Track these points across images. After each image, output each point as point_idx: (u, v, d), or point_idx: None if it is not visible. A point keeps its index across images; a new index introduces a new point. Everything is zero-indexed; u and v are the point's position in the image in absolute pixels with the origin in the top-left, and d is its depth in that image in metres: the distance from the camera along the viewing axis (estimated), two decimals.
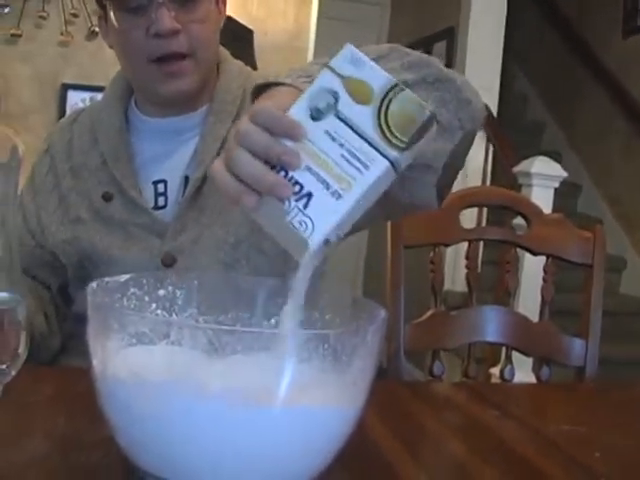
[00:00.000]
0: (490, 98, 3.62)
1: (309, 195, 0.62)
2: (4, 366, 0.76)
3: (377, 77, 0.64)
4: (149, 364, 0.60)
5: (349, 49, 0.66)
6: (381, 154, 0.62)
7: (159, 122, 1.19)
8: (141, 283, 0.74)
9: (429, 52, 4.16)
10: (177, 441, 0.58)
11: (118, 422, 0.62)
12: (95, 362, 0.62)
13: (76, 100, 2.94)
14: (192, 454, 0.58)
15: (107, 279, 0.70)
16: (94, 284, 0.67)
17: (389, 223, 1.43)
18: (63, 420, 0.76)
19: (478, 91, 0.91)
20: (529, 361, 2.20)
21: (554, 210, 2.86)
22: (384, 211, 0.93)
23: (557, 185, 2.97)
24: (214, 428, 0.57)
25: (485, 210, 3.23)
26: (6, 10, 2.86)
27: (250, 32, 2.80)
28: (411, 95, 0.64)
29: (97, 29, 2.84)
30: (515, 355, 1.49)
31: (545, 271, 1.51)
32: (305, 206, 0.62)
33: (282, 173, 0.63)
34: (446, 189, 0.93)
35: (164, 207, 1.15)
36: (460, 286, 3.08)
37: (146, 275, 0.75)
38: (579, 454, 0.80)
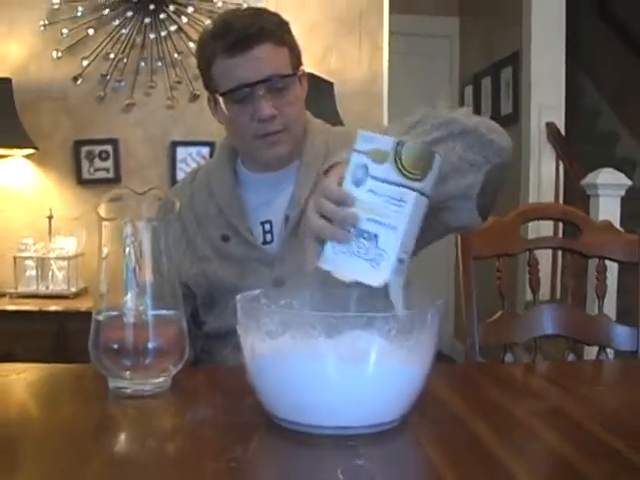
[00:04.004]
0: (557, 115, 3.79)
1: (376, 235, 0.90)
2: (172, 364, 1.06)
3: (385, 142, 0.91)
4: (283, 346, 0.85)
5: (361, 134, 0.93)
6: (409, 189, 0.90)
7: (262, 176, 1.45)
8: (268, 295, 0.99)
9: (498, 77, 4.33)
10: (304, 392, 0.85)
11: (263, 387, 0.89)
12: (246, 349, 0.89)
13: (184, 155, 3.18)
14: (316, 401, 0.85)
15: (246, 293, 0.96)
16: (238, 297, 0.92)
17: (459, 239, 1.65)
18: (219, 396, 1.02)
19: (503, 130, 1.15)
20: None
21: (629, 217, 3.00)
22: (441, 233, 1.20)
23: (623, 193, 3.08)
24: (328, 381, 0.84)
25: None
26: (122, 84, 3.17)
27: (330, 84, 3.00)
28: (411, 144, 0.91)
29: (198, 92, 3.15)
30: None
31: (597, 271, 1.70)
32: (376, 243, 0.90)
33: (352, 229, 0.91)
34: (488, 210, 1.16)
35: (271, 242, 1.41)
36: (541, 295, 3.25)
37: (271, 289, 1.04)
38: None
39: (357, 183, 0.92)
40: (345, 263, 0.92)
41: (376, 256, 0.90)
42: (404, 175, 0.90)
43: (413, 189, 0.90)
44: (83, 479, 0.73)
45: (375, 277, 0.90)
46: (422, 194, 0.91)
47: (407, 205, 0.90)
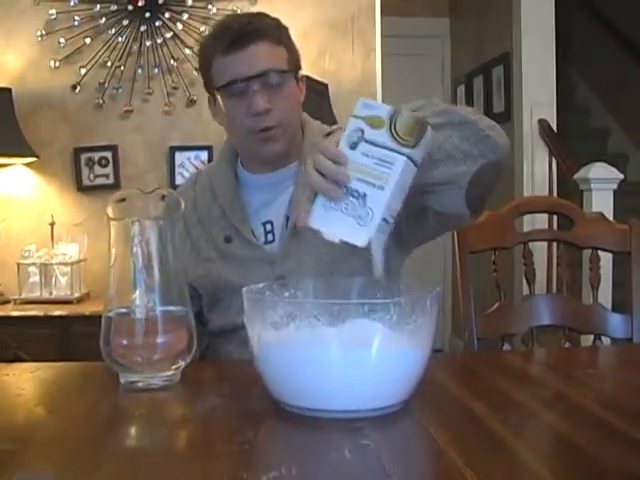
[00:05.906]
0: (549, 112, 3.83)
1: (364, 195, 0.95)
2: (181, 357, 1.08)
3: (383, 110, 0.97)
4: (288, 335, 0.89)
5: (361, 100, 0.99)
6: (399, 153, 0.95)
7: (262, 177, 1.48)
8: (272, 288, 1.03)
9: (489, 76, 4.36)
10: (310, 379, 0.88)
11: (270, 375, 0.93)
12: (253, 337, 0.92)
13: (182, 159, 3.21)
14: (322, 387, 0.88)
15: (252, 286, 0.99)
16: (244, 289, 0.95)
17: (455, 235, 1.68)
18: (227, 386, 1.05)
19: (502, 130, 1.17)
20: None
21: (622, 211, 3.02)
22: (433, 231, 1.23)
23: (615, 187, 3.10)
24: (332, 367, 0.87)
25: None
26: (119, 91, 3.21)
27: (325, 86, 3.04)
28: (407, 113, 0.97)
29: (194, 98, 3.20)
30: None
31: (590, 262, 1.72)
32: (364, 202, 0.95)
33: (344, 188, 0.96)
34: (478, 203, 1.19)
35: (272, 241, 1.44)
36: (538, 288, 3.29)
37: (275, 282, 1.08)
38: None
39: (352, 146, 0.97)
40: (333, 220, 0.96)
41: (363, 214, 0.95)
42: (396, 140, 0.95)
43: (403, 154, 0.95)
44: (100, 467, 0.76)
45: (360, 235, 0.95)
46: (411, 160, 0.95)
47: (396, 168, 0.95)
